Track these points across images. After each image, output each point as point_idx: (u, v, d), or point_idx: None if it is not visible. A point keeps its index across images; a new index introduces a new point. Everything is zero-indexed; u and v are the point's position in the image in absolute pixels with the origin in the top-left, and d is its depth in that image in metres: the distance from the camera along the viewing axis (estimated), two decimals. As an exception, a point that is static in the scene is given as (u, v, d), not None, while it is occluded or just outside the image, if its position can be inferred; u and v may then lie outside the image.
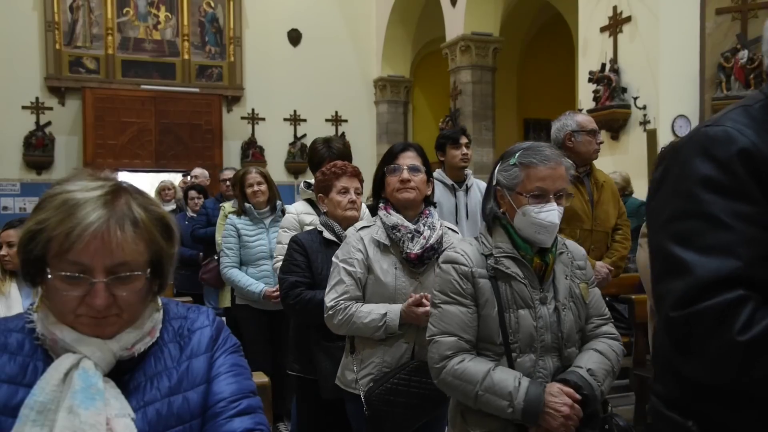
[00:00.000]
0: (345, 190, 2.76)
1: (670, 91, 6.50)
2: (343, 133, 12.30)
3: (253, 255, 4.17)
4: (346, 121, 12.59)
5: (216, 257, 5.02)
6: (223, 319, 3.17)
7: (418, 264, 2.33)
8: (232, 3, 11.71)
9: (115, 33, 11.14)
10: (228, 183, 5.54)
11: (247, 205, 4.19)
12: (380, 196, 2.44)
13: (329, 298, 2.34)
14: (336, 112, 12.61)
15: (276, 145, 12.02)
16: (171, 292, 5.22)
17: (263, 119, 12.07)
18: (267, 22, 12.00)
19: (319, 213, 3.15)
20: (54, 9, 10.72)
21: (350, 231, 2.43)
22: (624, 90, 6.96)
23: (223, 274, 4.20)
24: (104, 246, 1.07)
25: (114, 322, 1.12)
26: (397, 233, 2.33)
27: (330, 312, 2.33)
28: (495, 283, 1.86)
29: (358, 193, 2.80)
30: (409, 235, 2.33)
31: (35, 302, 1.18)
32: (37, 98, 10.80)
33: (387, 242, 2.34)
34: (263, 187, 4.18)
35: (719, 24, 6.41)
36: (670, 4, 6.49)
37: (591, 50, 7.45)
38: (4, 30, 10.51)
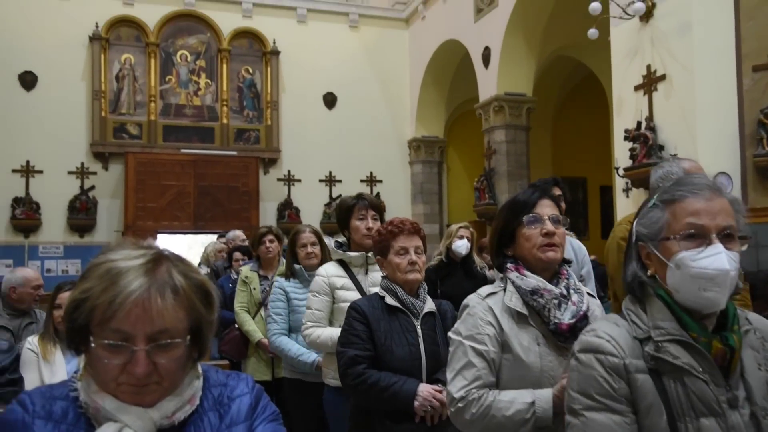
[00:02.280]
0: (404, 251, 2.55)
1: (709, 148, 6.38)
2: (378, 193, 12.32)
3: None
4: (380, 181, 12.64)
5: (236, 325, 4.69)
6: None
7: (570, 337, 1.83)
8: (269, 69, 12.01)
9: (157, 100, 11.48)
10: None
11: (297, 266, 3.85)
12: (504, 253, 2.00)
13: (456, 387, 1.85)
14: (371, 173, 12.68)
15: (311, 206, 12.07)
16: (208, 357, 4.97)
17: (299, 180, 12.19)
18: (303, 87, 12.24)
19: (351, 275, 3.05)
20: (101, 79, 11.10)
21: (473, 299, 1.94)
22: (661, 147, 6.83)
23: (271, 342, 3.83)
24: (145, 313, 1.08)
25: (154, 390, 1.12)
26: (539, 299, 1.87)
27: (460, 405, 1.83)
28: (659, 380, 1.34)
29: (419, 253, 2.58)
30: (555, 302, 1.87)
31: (79, 370, 1.18)
32: (82, 163, 11.08)
33: (525, 311, 1.88)
34: (317, 248, 3.85)
35: (756, 81, 6.30)
36: (705, 61, 6.43)
37: (626, 108, 7.37)
38: (54, 99, 10.90)
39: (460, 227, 5.01)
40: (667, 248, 1.38)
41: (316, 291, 3.07)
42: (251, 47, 12.13)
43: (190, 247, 11.32)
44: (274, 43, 12.08)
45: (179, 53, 11.72)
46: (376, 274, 2.97)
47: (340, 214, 3.18)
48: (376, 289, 2.67)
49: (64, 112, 10.95)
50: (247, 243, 6.73)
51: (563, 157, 12.88)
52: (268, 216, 11.72)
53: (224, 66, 11.87)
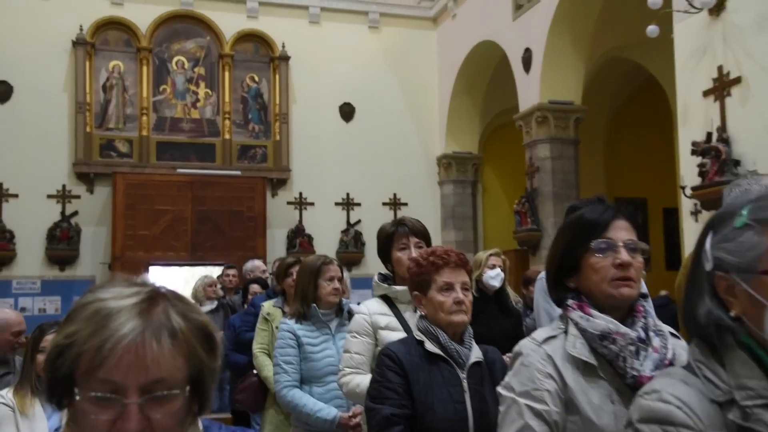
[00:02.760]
0: (448, 287, 2.47)
1: (794, 162, 6.21)
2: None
3: (319, 369, 3.71)
4: (405, 204, 12.63)
5: (254, 371, 4.65)
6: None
7: None
8: (277, 76, 12.07)
9: (150, 113, 11.53)
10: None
11: (312, 305, 3.77)
12: (564, 285, 1.86)
13: None
14: (394, 195, 12.69)
15: (326, 233, 12.09)
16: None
17: (312, 204, 12.22)
18: (316, 97, 12.31)
19: (397, 314, 3.04)
20: (86, 89, 11.15)
21: (527, 346, 1.80)
22: (737, 163, 6.64)
23: (280, 396, 3.70)
24: (138, 361, 1.07)
25: None
26: (611, 346, 1.71)
27: None
28: None
29: (466, 290, 2.51)
30: (632, 348, 1.71)
31: (62, 427, 1.16)
32: (63, 186, 11.10)
33: (593, 361, 1.72)
34: (341, 285, 3.83)
35: None
36: (788, 60, 6.31)
37: (693, 117, 7.25)
38: (32, 113, 10.94)
39: (491, 254, 4.94)
40: (765, 284, 1.19)
41: (357, 331, 3.03)
42: (257, 52, 12.22)
43: (187, 281, 10.94)
44: (283, 47, 12.14)
45: (175, 59, 11.78)
46: None
47: (380, 245, 3.19)
48: None
49: (42, 128, 10.99)
50: (267, 275, 6.80)
51: (619, 174, 12.80)
52: (276, 244, 11.73)
53: (226, 74, 11.93)
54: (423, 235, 3.14)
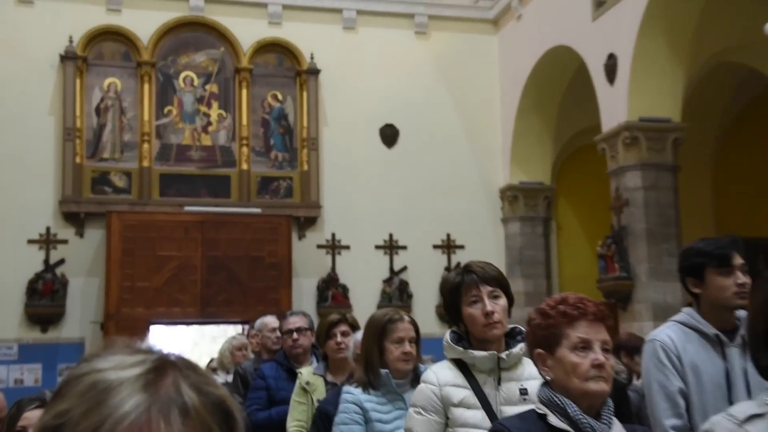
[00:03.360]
0: (585, 345, 2.40)
1: None
2: (458, 263, 11.98)
3: None
4: (461, 247, 12.52)
5: None
6: None
7: None
8: (305, 94, 12.10)
9: (152, 139, 11.60)
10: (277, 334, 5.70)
11: (383, 371, 3.74)
12: None
13: None
14: (447, 236, 12.58)
15: (365, 282, 12.04)
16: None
17: (347, 248, 12.14)
18: (352, 117, 12.34)
19: (475, 386, 3.00)
20: (75, 112, 11.20)
21: (724, 424, 1.88)
22: None
23: None
24: None
25: None
26: None
27: None
28: None
29: (607, 350, 2.44)
30: None
31: None
32: (48, 229, 11.05)
33: None
34: (414, 348, 3.79)
35: None
36: None
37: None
38: (9, 142, 10.92)
39: None
40: None
41: (422, 406, 3.02)
42: (281, 65, 12.25)
43: (197, 343, 11.82)
44: (312, 58, 12.15)
45: (182, 75, 11.84)
46: (511, 387, 2.99)
47: (446, 300, 3.21)
48: (511, 410, 2.70)
49: (23, 159, 10.97)
50: (276, 335, 6.65)
51: (731, 208, 12.60)
52: (304, 297, 11.68)
53: (244, 91, 11.94)
54: (497, 281, 3.10)
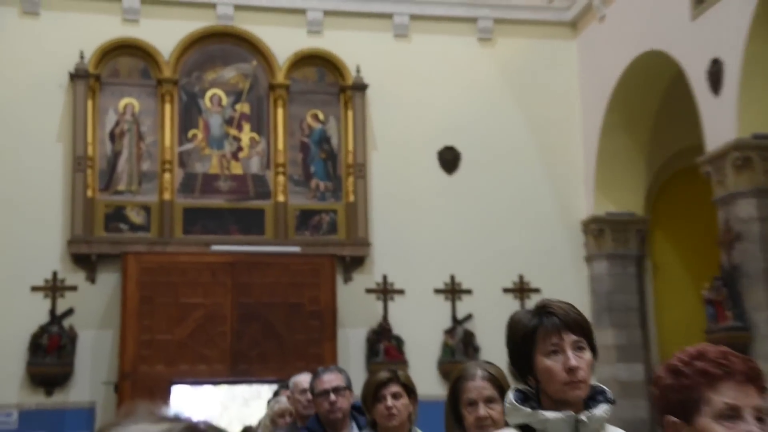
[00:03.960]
0: (733, 413, 2.31)
1: None
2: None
3: None
4: (537, 291, 12.26)
5: None
6: None
7: None
8: (351, 113, 12.00)
9: (175, 168, 11.55)
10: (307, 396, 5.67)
11: None
12: None
13: None
14: (520, 278, 12.41)
15: (422, 333, 11.87)
16: None
17: (401, 292, 11.93)
18: (406, 139, 12.19)
19: None
20: (87, 138, 11.19)
21: None
22: None
23: None
24: None
25: None
26: None
27: None
28: None
29: (763, 420, 2.35)
30: None
31: None
32: (54, 274, 10.92)
33: None
34: (497, 409, 3.60)
35: None
36: None
37: None
38: (12, 172, 10.97)
39: None
40: None
41: None
42: (321, 80, 12.19)
43: (226, 406, 11.51)
44: (358, 71, 12.06)
45: (209, 94, 11.80)
46: None
47: (515, 346, 3.02)
48: None
49: (27, 192, 10.97)
50: (308, 396, 6.55)
51: None
52: (351, 351, 11.60)
53: (280, 111, 11.84)
54: (582, 329, 2.90)
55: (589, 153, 12.61)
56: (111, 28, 11.46)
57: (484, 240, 12.17)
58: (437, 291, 12.03)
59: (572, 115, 12.81)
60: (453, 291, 12.10)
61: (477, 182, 12.26)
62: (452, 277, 12.07)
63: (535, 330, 2.90)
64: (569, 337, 2.87)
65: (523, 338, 2.94)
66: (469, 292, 12.07)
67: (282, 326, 11.15)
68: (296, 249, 11.51)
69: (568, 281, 12.31)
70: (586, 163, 12.66)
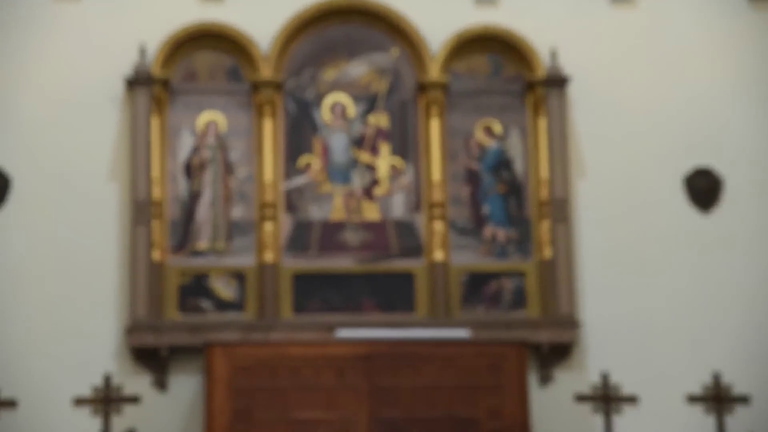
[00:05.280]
0: None
1: None
2: None
3: None
4: None
5: None
6: None
7: None
8: (544, 121, 10.97)
9: (280, 215, 10.71)
10: None
11: None
12: None
13: None
14: None
15: None
16: None
17: (631, 400, 10.77)
18: (633, 159, 11.17)
19: None
20: (151, 173, 10.35)
21: None
22: None
23: None
24: None
25: None
26: None
27: None
28: None
29: None
30: None
31: None
32: (107, 379, 10.18)
33: None
34: None
35: None
36: None
37: None
38: (47, 232, 10.36)
39: None
40: None
41: None
42: (497, 73, 11.16)
43: None
44: (554, 57, 10.98)
45: (329, 102, 10.92)
46: None
47: None
48: None
49: (67, 260, 10.36)
50: None
51: None
52: None
53: (434, 122, 10.84)
54: None
55: None
56: (184, 11, 10.52)
57: (763, 312, 10.99)
58: (692, 399, 10.75)
59: None
60: (718, 399, 10.79)
61: (749, 223, 11.05)
62: (715, 377, 10.78)
63: None
64: None
65: None
66: (743, 400, 10.73)
67: (446, 450, 10.77)
68: (464, 333, 10.35)
69: None
70: None
